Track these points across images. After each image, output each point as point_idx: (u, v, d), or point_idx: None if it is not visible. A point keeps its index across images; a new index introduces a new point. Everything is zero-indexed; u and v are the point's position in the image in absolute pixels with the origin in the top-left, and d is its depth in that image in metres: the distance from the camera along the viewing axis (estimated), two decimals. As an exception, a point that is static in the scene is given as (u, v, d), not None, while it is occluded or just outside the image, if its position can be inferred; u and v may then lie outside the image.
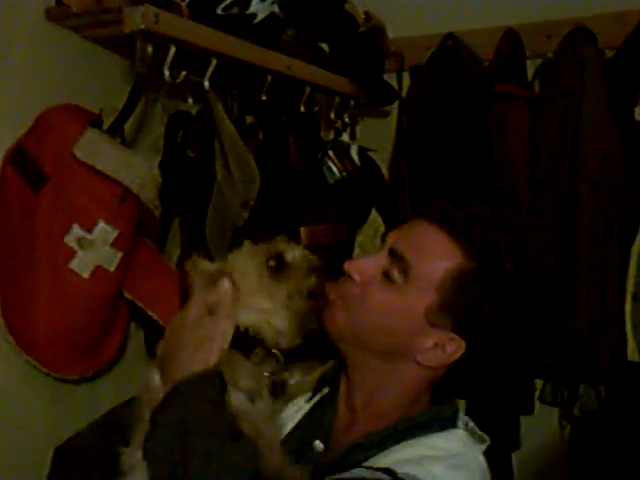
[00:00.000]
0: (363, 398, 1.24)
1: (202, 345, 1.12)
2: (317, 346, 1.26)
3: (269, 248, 1.20)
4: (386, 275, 1.17)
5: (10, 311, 1.59)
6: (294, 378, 1.27)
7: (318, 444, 1.22)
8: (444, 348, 1.16)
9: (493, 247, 1.16)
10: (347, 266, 1.21)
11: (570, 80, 2.17)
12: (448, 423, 1.20)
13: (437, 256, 1.15)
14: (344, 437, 1.22)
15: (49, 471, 1.30)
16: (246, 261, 1.19)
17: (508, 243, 1.17)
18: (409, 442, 1.15)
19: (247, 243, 1.22)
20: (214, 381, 1.09)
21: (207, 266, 1.19)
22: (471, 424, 1.22)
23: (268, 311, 1.17)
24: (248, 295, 1.17)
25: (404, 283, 1.15)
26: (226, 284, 1.15)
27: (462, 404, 2.30)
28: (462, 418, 1.22)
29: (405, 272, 1.15)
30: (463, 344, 1.16)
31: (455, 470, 1.11)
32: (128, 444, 1.14)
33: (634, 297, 2.05)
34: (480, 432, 1.21)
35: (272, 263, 1.17)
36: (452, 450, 1.15)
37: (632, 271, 2.06)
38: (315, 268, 1.18)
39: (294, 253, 1.19)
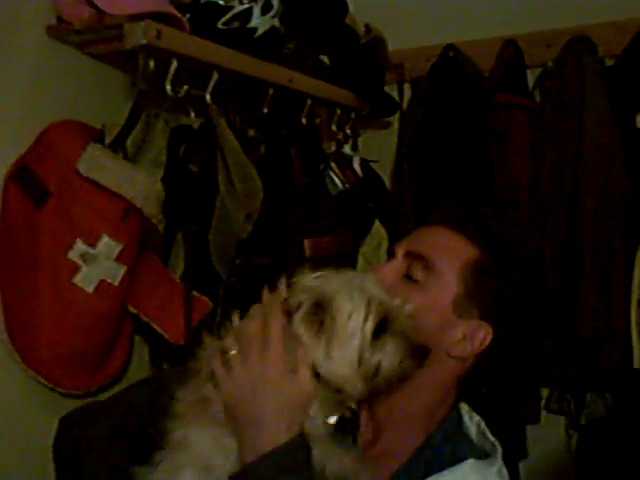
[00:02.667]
0: (390, 409, 1.25)
1: (287, 410, 1.06)
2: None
3: (382, 304, 1.09)
4: (408, 277, 1.20)
5: (15, 327, 1.59)
6: None
7: None
8: (473, 337, 1.19)
9: (503, 237, 1.24)
10: None
11: (571, 89, 2.17)
12: (460, 439, 1.21)
13: (454, 250, 1.20)
14: (369, 450, 1.23)
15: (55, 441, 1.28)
16: (358, 311, 1.07)
17: (515, 232, 1.25)
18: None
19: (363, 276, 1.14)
20: (303, 453, 1.05)
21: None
22: (482, 425, 1.24)
23: (349, 380, 1.08)
24: (341, 349, 1.07)
25: (427, 280, 1.19)
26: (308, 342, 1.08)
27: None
28: (468, 422, 1.24)
29: (428, 267, 1.18)
30: (490, 330, 1.19)
31: None
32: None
33: (639, 304, 2.05)
34: (491, 437, 1.22)
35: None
36: None
37: (637, 278, 2.05)
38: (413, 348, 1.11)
39: (402, 321, 1.10)
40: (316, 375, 1.08)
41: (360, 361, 1.06)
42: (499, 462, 1.18)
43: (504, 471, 1.18)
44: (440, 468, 1.16)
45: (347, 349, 1.06)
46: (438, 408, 1.24)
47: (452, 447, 1.20)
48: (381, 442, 1.24)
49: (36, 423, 1.64)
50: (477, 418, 1.26)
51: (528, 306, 1.24)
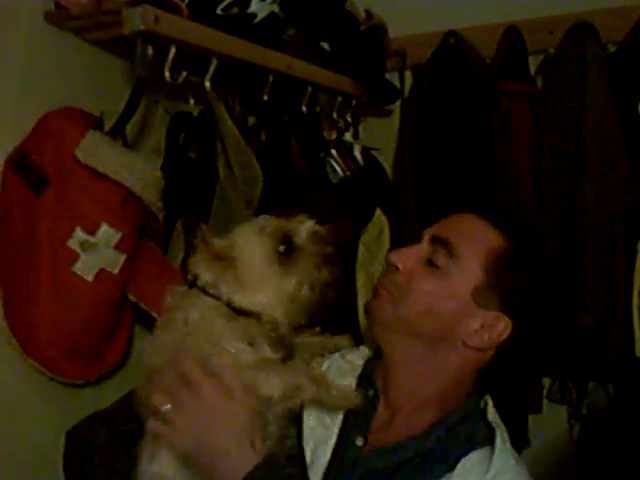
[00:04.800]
0: (405, 393, 1.24)
1: (244, 431, 1.09)
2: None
3: (277, 229, 1.17)
4: (430, 262, 1.19)
5: (14, 315, 1.59)
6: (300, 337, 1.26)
7: (359, 440, 1.22)
8: (491, 328, 1.18)
9: (531, 227, 1.25)
10: (392, 257, 1.23)
11: (573, 76, 2.16)
12: (477, 421, 1.21)
13: (480, 238, 1.19)
14: (383, 433, 1.23)
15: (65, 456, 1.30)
16: (254, 242, 1.16)
17: (541, 223, 1.22)
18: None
19: (256, 219, 1.20)
20: (278, 469, 1.10)
21: (214, 242, 1.16)
22: (488, 407, 1.24)
23: (269, 305, 1.15)
24: (251, 280, 1.15)
25: (449, 266, 1.18)
26: (226, 359, 1.12)
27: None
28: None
29: (451, 254, 1.18)
30: (510, 323, 1.19)
31: None
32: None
33: (641, 293, 2.04)
34: (490, 418, 1.22)
35: (281, 249, 1.16)
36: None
37: (638, 267, 2.05)
38: (326, 255, 1.17)
39: (303, 235, 1.17)
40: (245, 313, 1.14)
41: (276, 284, 1.14)
42: (497, 444, 1.16)
43: (504, 449, 1.17)
44: (453, 446, 1.16)
45: (255, 275, 1.14)
46: (454, 393, 1.23)
47: (470, 429, 1.20)
48: (394, 425, 1.23)
49: (36, 412, 1.64)
50: (489, 403, 1.26)
51: (546, 299, 1.24)
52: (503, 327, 1.19)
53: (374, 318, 1.24)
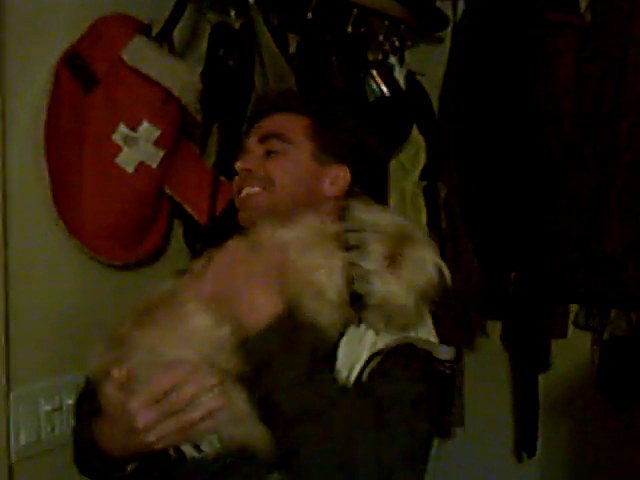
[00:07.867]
0: None
1: (259, 280, 1.20)
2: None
3: None
4: (269, 152, 1.44)
5: (62, 201, 1.74)
6: None
7: None
8: (337, 180, 1.45)
9: (325, 104, 1.54)
10: (240, 165, 1.46)
11: (622, 6, 2.17)
12: None
13: (292, 122, 1.46)
14: None
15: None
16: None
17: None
18: None
19: None
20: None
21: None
22: None
23: None
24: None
25: (285, 147, 1.43)
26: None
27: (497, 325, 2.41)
28: None
29: (284, 140, 1.43)
30: (347, 169, 1.46)
31: None
32: None
33: (666, 226, 2.07)
34: None
35: None
36: None
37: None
38: None
39: None
40: None
41: None
42: None
43: None
44: None
45: None
46: None
47: None
48: None
49: (76, 288, 1.81)
50: None
51: (365, 138, 1.51)
52: (344, 174, 1.45)
53: (256, 211, 1.42)
